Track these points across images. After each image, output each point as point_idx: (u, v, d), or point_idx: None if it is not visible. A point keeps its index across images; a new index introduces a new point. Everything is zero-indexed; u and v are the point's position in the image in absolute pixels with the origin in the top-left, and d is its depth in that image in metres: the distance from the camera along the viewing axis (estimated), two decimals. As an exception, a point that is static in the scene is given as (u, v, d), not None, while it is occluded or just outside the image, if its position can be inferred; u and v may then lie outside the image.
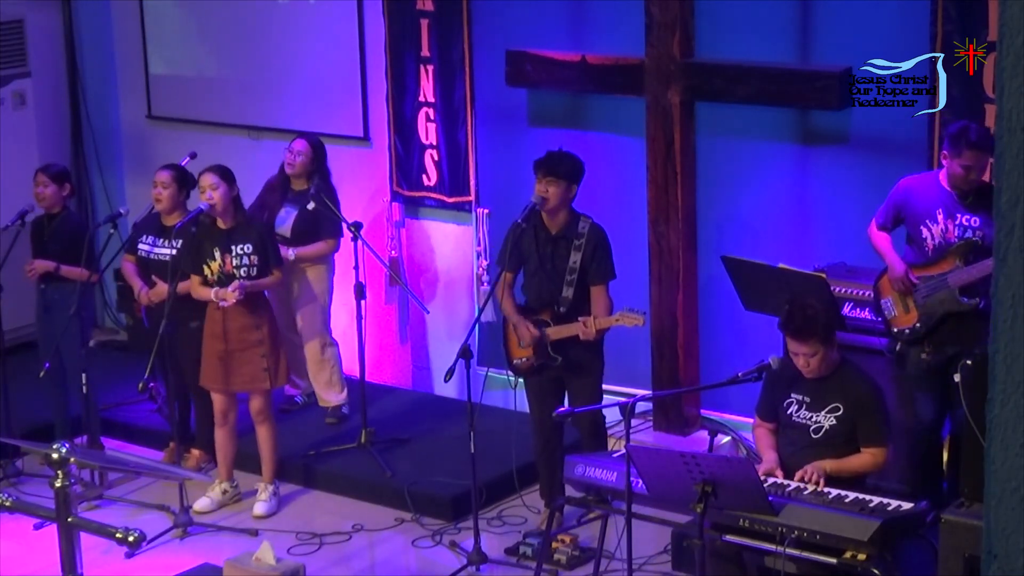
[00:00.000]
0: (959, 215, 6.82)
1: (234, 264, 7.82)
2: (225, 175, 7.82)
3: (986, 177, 6.77)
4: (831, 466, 6.16)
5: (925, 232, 6.92)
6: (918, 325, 6.94)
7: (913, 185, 6.99)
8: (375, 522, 7.96)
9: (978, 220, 6.79)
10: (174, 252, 8.18)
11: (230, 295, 7.72)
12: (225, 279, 7.82)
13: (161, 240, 8.33)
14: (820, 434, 6.29)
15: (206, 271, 7.86)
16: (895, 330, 7.02)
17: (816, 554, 5.81)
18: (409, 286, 9.35)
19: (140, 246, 8.45)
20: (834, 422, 6.27)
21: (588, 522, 7.51)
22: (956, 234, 6.83)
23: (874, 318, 7.19)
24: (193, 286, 7.92)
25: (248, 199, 8.21)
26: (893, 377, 7.06)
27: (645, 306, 8.21)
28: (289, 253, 8.64)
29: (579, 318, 7.25)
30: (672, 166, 8.09)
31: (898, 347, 7.03)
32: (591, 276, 7.33)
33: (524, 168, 7.83)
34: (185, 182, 8.36)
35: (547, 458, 7.60)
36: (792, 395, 6.38)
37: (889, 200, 7.06)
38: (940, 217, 6.86)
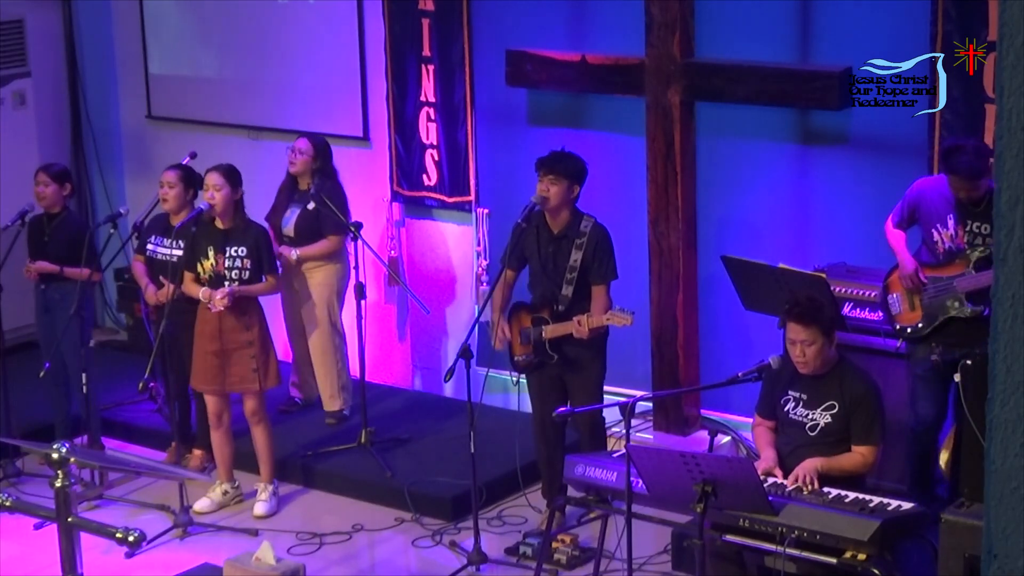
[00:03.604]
0: (970, 221, 6.80)
1: (226, 265, 7.82)
2: (230, 177, 7.82)
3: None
4: (822, 464, 6.18)
5: (936, 235, 6.91)
6: (920, 324, 6.94)
7: (928, 187, 6.96)
8: (375, 522, 7.96)
9: (989, 227, 6.76)
10: (177, 251, 8.19)
11: (219, 301, 7.72)
12: (216, 279, 7.83)
13: (167, 240, 8.34)
14: (816, 432, 6.30)
15: (199, 269, 7.87)
16: (898, 327, 7.03)
17: (816, 554, 5.82)
18: (409, 286, 9.35)
19: (148, 246, 8.45)
20: (829, 420, 6.28)
21: (588, 522, 7.52)
22: (966, 240, 6.82)
23: (877, 318, 7.18)
24: (185, 282, 7.91)
25: (248, 199, 8.20)
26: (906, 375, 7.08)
27: (645, 306, 8.22)
28: (292, 253, 8.64)
29: (574, 316, 7.26)
30: (672, 166, 8.09)
31: (900, 345, 7.05)
32: (592, 275, 7.33)
33: (524, 168, 7.82)
34: (192, 181, 8.36)
35: (548, 457, 7.61)
36: (790, 392, 6.40)
37: (904, 200, 7.04)
38: (951, 222, 6.84)
